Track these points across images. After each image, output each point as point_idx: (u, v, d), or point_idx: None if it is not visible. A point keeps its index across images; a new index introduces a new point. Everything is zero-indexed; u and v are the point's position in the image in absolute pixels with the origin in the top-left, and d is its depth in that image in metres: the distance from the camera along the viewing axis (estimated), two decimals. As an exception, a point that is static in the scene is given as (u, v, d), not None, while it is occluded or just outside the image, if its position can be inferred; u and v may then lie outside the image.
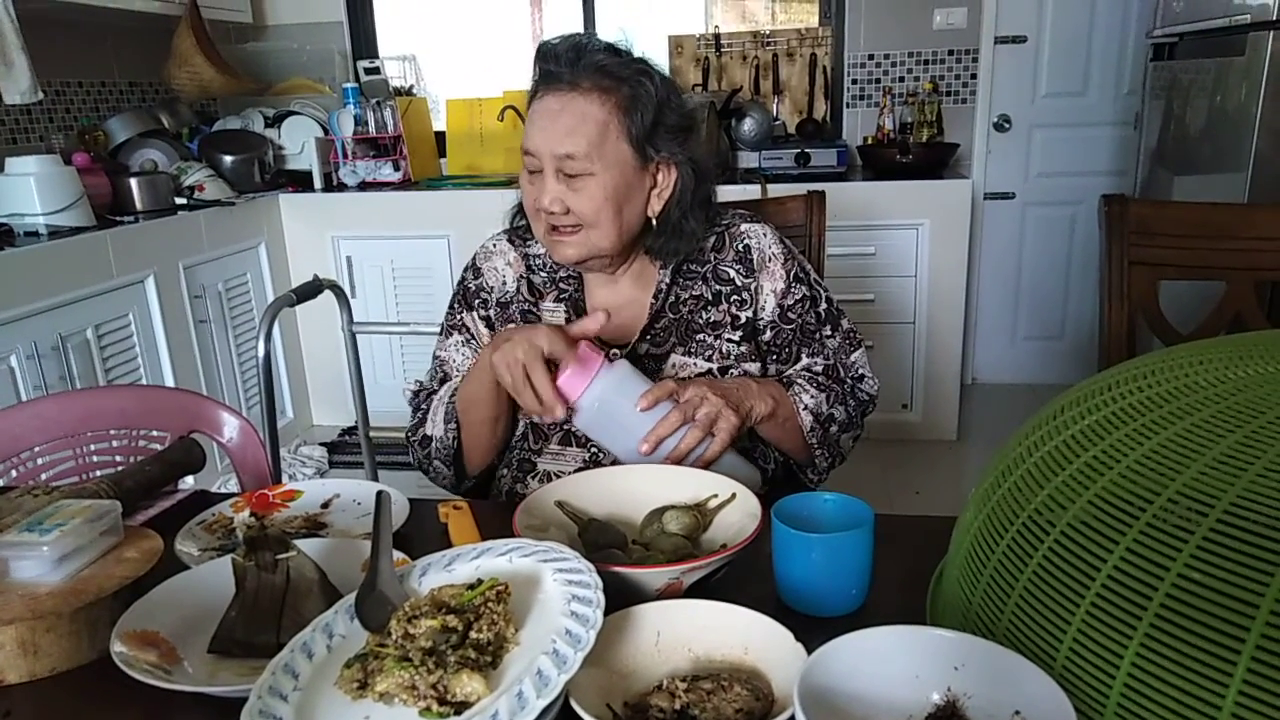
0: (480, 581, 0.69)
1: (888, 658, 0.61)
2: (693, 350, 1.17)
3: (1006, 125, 3.48)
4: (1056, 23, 3.35)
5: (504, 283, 1.24)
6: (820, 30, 3.56)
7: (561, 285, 1.22)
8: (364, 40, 3.76)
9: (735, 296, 1.19)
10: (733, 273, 1.20)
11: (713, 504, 0.91)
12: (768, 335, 1.20)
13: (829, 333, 1.22)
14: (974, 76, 3.44)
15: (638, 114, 1.09)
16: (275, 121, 3.39)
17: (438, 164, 3.62)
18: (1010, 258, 3.59)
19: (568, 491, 0.93)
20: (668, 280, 1.18)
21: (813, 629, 0.67)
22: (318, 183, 3.33)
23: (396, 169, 3.34)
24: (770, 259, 1.20)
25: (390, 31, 3.83)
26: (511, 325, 1.21)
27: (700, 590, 0.79)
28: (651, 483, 0.95)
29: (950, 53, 3.43)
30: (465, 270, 1.28)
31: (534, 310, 1.22)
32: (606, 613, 0.65)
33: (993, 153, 3.50)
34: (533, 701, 0.57)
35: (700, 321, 1.18)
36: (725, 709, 0.62)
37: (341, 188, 3.32)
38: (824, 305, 1.23)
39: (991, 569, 0.63)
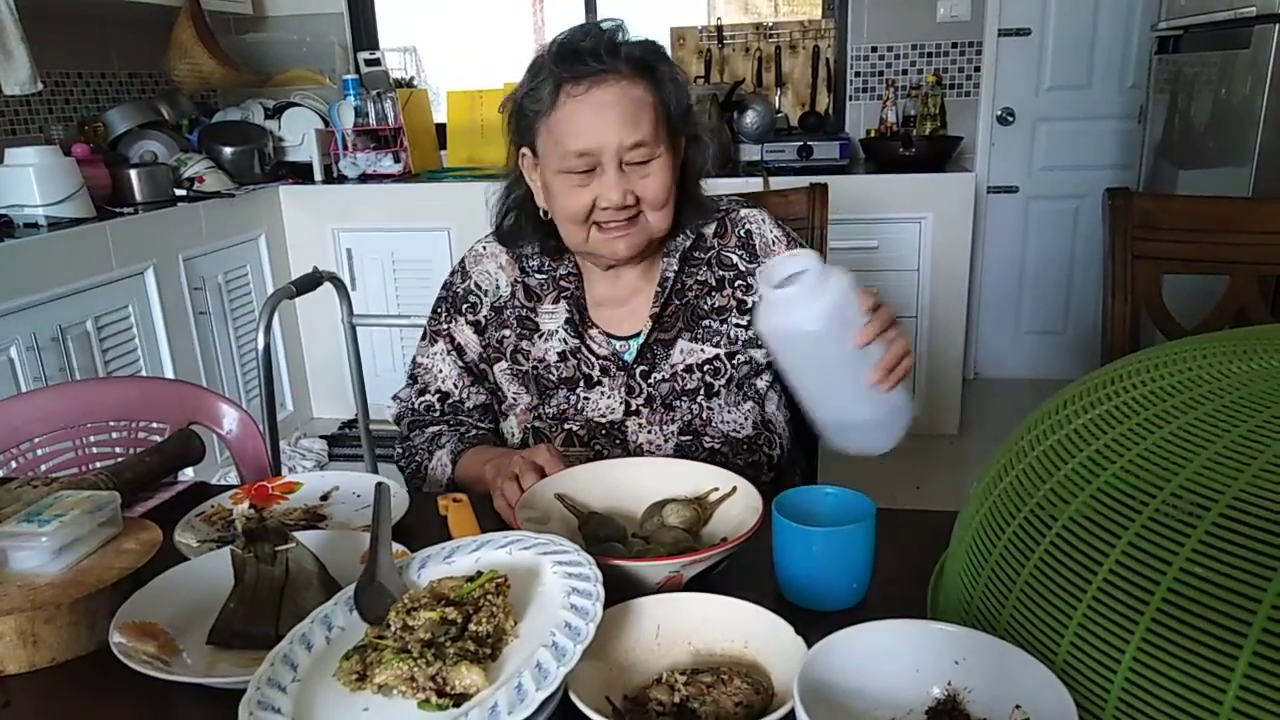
0: (480, 574, 0.69)
1: (888, 652, 0.61)
2: (699, 336, 1.17)
3: (1010, 118, 3.47)
4: (1060, 15, 3.33)
5: (497, 286, 1.23)
6: (823, 22, 3.55)
7: (563, 284, 1.20)
8: (364, 31, 3.75)
9: (739, 281, 1.19)
10: (735, 258, 1.20)
11: (713, 497, 0.91)
12: None
13: None
14: (977, 69, 3.43)
15: (670, 93, 1.09)
16: (275, 113, 3.39)
17: (438, 156, 3.61)
18: (1013, 251, 3.59)
19: (568, 484, 0.93)
20: (675, 267, 1.18)
21: (813, 623, 0.66)
22: (318, 174, 3.32)
23: (397, 161, 3.33)
24: (773, 243, 1.21)
25: (390, 23, 3.82)
26: (506, 331, 1.20)
27: (700, 584, 0.79)
28: (652, 476, 0.95)
29: (954, 45, 3.42)
30: (452, 274, 1.26)
31: (531, 315, 1.20)
32: (606, 606, 0.65)
33: (996, 146, 3.49)
34: (532, 694, 0.57)
35: (706, 307, 1.18)
36: (725, 702, 0.62)
37: (342, 180, 3.32)
38: None
39: (993, 563, 0.62)
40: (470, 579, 0.68)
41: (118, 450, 1.29)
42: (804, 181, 1.57)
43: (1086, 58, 3.37)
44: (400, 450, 1.23)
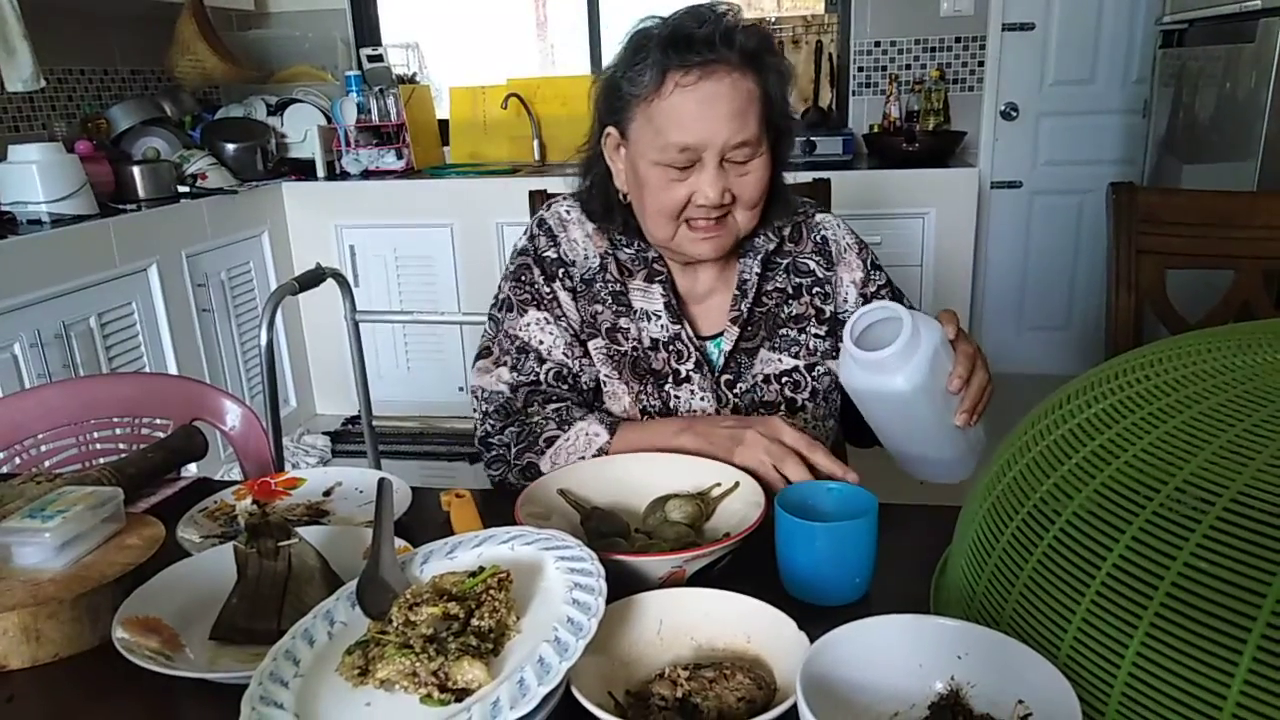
0: (482, 569, 0.69)
1: (891, 647, 0.61)
2: (778, 345, 1.13)
3: (1014, 113, 3.46)
4: (1064, 9, 3.32)
5: (585, 256, 1.13)
6: (826, 17, 3.54)
7: (655, 266, 1.13)
8: (367, 27, 3.75)
9: (817, 289, 1.15)
10: (812, 264, 1.16)
11: (716, 492, 0.91)
12: None
13: None
14: (981, 64, 3.42)
15: (774, 86, 1.03)
16: (278, 109, 3.39)
17: (441, 152, 3.61)
18: (1017, 247, 3.58)
19: (570, 480, 0.93)
20: (757, 270, 1.13)
21: (815, 618, 0.66)
22: (320, 171, 3.32)
23: (399, 157, 3.33)
24: (846, 249, 1.17)
25: (393, 19, 3.82)
26: (599, 306, 1.11)
27: (703, 579, 0.79)
28: (654, 471, 0.94)
29: (957, 40, 3.41)
30: (534, 237, 1.15)
31: (623, 292, 1.12)
32: (609, 601, 0.65)
33: (1000, 141, 3.48)
34: (534, 689, 0.57)
35: (784, 315, 1.14)
36: (727, 697, 0.62)
37: (344, 176, 3.32)
38: (890, 287, 1.20)
39: (996, 558, 0.62)
40: (473, 574, 0.68)
41: (121, 446, 1.29)
42: (807, 177, 1.57)
43: (1090, 52, 3.36)
44: (504, 424, 1.09)
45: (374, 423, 2.35)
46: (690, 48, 0.98)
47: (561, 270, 1.13)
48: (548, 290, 1.12)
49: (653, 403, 1.11)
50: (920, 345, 0.86)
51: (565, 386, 1.11)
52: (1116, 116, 3.39)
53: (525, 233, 1.17)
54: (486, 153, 3.48)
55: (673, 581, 0.77)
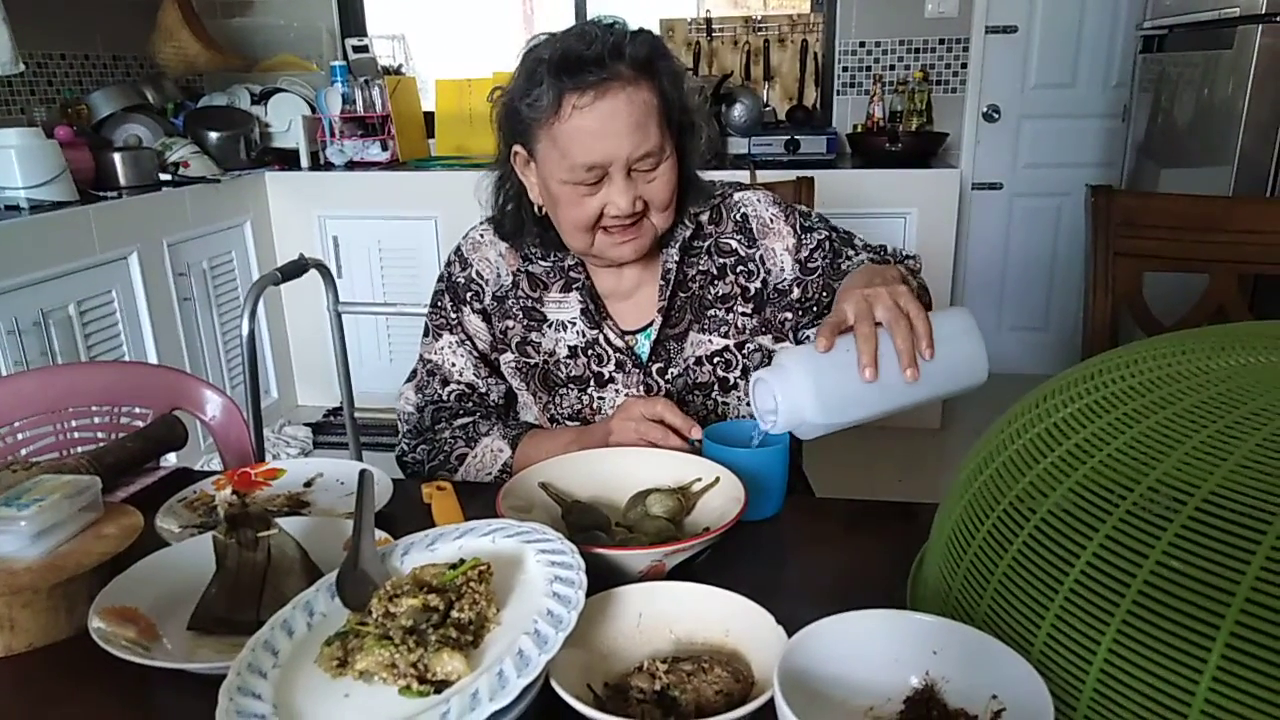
0: (462, 561, 0.69)
1: (868, 641, 0.61)
2: (707, 327, 1.15)
3: (995, 115, 3.48)
4: (1047, 13, 3.35)
5: (498, 275, 1.18)
6: (812, 17, 3.55)
7: (572, 274, 1.16)
8: (352, 18, 3.72)
9: (741, 267, 1.16)
10: (735, 244, 1.17)
11: (696, 487, 0.91)
12: (795, 293, 1.16)
13: (851, 253, 1.18)
14: (964, 66, 3.44)
15: (670, 88, 1.05)
16: (262, 98, 3.36)
17: (426, 144, 3.59)
18: (997, 248, 3.60)
19: (551, 473, 0.93)
20: (676, 258, 1.15)
21: (794, 613, 0.67)
22: (304, 161, 3.30)
23: (384, 149, 3.31)
24: (771, 220, 1.18)
25: (379, 9, 3.79)
26: (510, 322, 1.17)
27: (682, 573, 0.80)
28: (635, 465, 0.95)
29: (941, 42, 3.43)
30: (449, 265, 1.21)
31: (538, 306, 1.16)
32: (589, 594, 0.65)
33: (981, 143, 3.51)
34: (513, 681, 0.57)
35: (711, 296, 1.16)
36: (705, 690, 0.62)
37: (328, 166, 3.30)
38: (835, 236, 1.19)
39: (971, 555, 0.63)
40: (453, 566, 0.68)
41: (99, 435, 1.28)
42: (790, 175, 1.58)
43: (1072, 56, 3.39)
44: (416, 443, 1.18)
45: (356, 414, 2.34)
46: (582, 68, 0.99)
47: (471, 293, 1.19)
48: (454, 316, 1.19)
49: (562, 410, 1.15)
50: (801, 394, 0.85)
51: (470, 404, 1.19)
52: (1096, 120, 3.42)
53: (446, 260, 1.23)
54: (472, 145, 3.47)
55: (652, 575, 0.78)
